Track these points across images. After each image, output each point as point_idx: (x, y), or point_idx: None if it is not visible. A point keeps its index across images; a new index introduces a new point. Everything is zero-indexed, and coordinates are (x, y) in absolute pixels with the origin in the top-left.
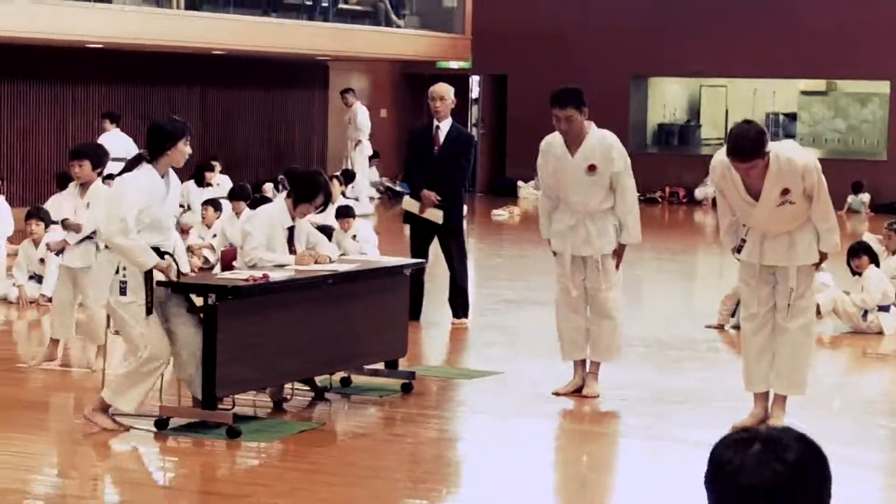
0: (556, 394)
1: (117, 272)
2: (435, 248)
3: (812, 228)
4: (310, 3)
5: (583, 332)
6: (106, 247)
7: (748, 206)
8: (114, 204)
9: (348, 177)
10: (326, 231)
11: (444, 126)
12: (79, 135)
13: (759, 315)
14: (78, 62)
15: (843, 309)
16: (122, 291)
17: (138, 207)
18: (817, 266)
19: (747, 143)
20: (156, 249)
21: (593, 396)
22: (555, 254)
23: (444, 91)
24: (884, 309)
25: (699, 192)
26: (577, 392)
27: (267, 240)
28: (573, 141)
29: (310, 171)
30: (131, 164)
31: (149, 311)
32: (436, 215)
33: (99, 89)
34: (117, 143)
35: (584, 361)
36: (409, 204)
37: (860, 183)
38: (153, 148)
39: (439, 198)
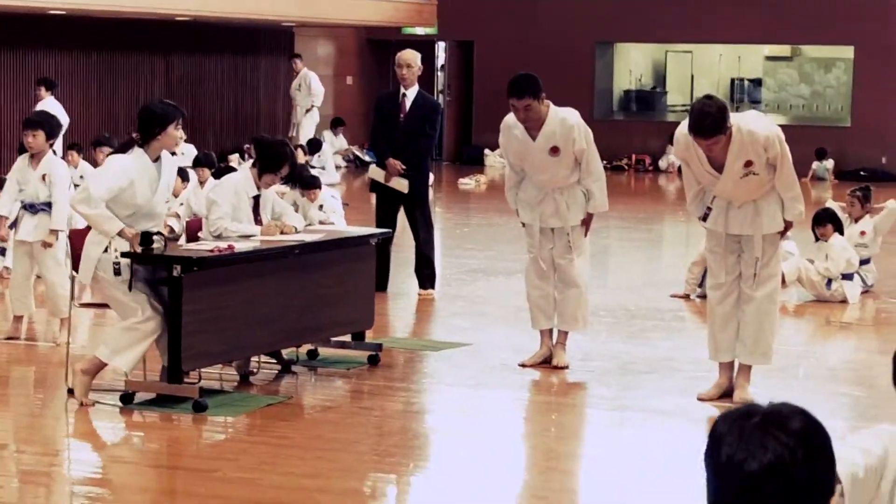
0: (523, 365)
1: (106, 251)
2: (402, 217)
3: (777, 197)
4: None
5: (551, 301)
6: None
7: (712, 178)
8: (92, 176)
9: (314, 146)
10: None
11: (410, 93)
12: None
13: (725, 284)
14: (41, 29)
15: (807, 278)
16: (116, 272)
17: (111, 188)
18: (782, 234)
19: (709, 121)
20: (147, 233)
21: (563, 367)
22: (523, 224)
23: (411, 58)
24: (847, 277)
25: (663, 163)
26: (544, 363)
27: (232, 209)
28: (533, 126)
29: (275, 141)
30: (124, 147)
31: (130, 287)
32: (401, 184)
33: (63, 57)
34: (52, 111)
35: (550, 332)
36: (375, 172)
37: (823, 149)
38: (143, 132)
39: (404, 167)
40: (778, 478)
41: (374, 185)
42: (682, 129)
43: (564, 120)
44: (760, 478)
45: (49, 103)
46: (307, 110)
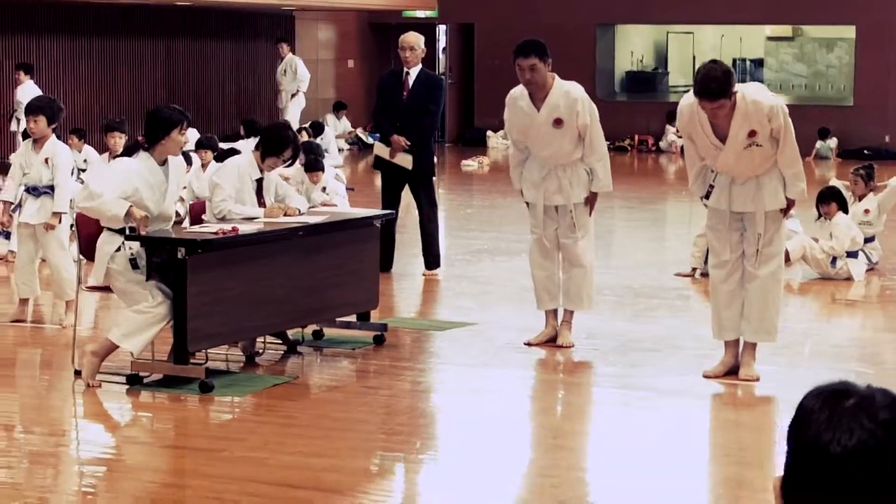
0: (529, 344)
1: (119, 250)
2: (406, 195)
3: (778, 174)
4: None
5: (556, 281)
6: (108, 228)
7: (715, 150)
8: (99, 176)
9: (317, 129)
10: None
11: (413, 72)
12: (48, 89)
13: (728, 262)
14: (43, 15)
15: (812, 256)
16: (134, 265)
17: (117, 191)
18: (785, 213)
19: (714, 84)
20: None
21: (568, 346)
22: (527, 204)
23: (415, 40)
24: (852, 255)
25: (663, 143)
26: (550, 342)
27: (236, 192)
28: (538, 94)
29: (278, 125)
30: (130, 150)
31: (148, 277)
32: (405, 160)
33: (64, 42)
34: (31, 95)
35: (555, 311)
36: (380, 149)
37: (826, 129)
38: (149, 136)
39: (408, 143)
40: (861, 465)
41: (378, 162)
42: (686, 100)
43: (569, 92)
44: (842, 462)
45: (28, 87)
46: (293, 95)
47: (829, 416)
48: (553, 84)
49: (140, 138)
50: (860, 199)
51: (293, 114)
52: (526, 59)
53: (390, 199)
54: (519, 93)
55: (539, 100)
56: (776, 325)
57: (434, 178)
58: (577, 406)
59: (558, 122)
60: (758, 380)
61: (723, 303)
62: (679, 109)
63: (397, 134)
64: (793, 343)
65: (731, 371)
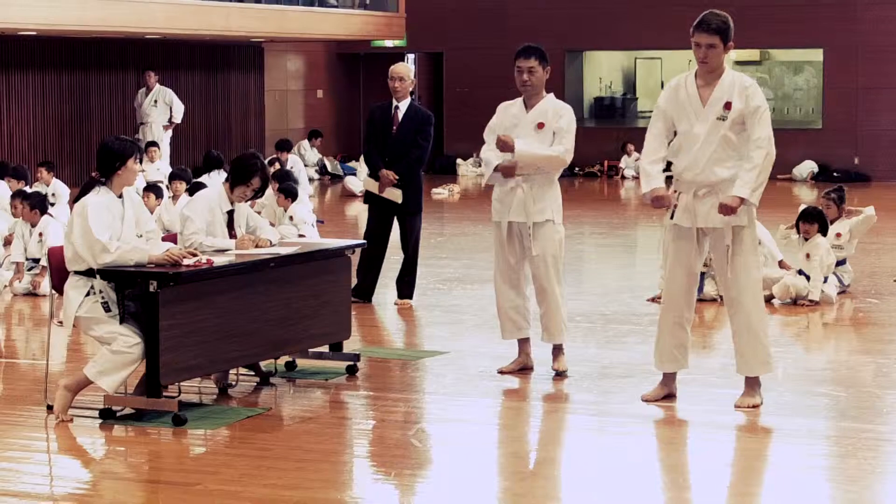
0: (502, 372)
1: (88, 294)
2: (395, 229)
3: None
4: None
5: (522, 311)
6: (76, 272)
7: (690, 124)
8: (83, 231)
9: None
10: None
11: (402, 105)
12: (15, 123)
13: (679, 279)
14: (12, 50)
15: (797, 294)
16: (107, 308)
17: (108, 225)
18: (732, 210)
19: (715, 18)
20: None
21: (562, 371)
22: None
23: (404, 71)
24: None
25: (628, 170)
26: (522, 370)
27: (206, 225)
28: (531, 100)
29: (246, 154)
30: (86, 188)
31: (121, 320)
32: (395, 195)
33: (34, 77)
34: None
35: (528, 339)
36: (369, 183)
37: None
38: (104, 169)
39: (397, 177)
40: None
41: (368, 197)
42: (673, 81)
43: (558, 103)
44: None
45: None
46: (165, 127)
47: None
48: (546, 96)
49: (94, 174)
50: (832, 222)
51: (166, 147)
52: (526, 60)
53: (380, 233)
54: (510, 103)
55: (530, 106)
56: (770, 353)
57: (422, 213)
58: (551, 434)
59: (541, 125)
60: (758, 406)
61: (666, 332)
62: (666, 87)
63: (387, 167)
64: None
65: (668, 396)
